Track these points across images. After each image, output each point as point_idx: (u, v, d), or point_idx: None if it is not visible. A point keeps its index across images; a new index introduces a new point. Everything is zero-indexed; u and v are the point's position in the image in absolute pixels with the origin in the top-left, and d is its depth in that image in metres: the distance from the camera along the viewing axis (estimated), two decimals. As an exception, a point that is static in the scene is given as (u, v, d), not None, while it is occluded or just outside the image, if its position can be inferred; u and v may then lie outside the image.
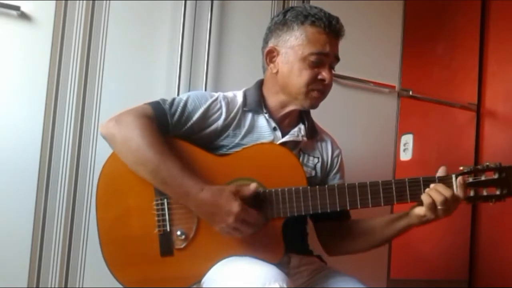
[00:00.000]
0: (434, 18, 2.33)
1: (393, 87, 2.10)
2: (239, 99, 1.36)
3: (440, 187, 1.22)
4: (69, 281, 1.56)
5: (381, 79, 2.07)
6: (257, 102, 1.36)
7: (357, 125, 2.03)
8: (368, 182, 1.25)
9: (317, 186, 1.26)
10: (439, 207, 1.21)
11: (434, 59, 2.33)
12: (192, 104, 1.29)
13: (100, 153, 1.59)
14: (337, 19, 1.33)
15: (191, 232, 1.23)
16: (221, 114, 1.31)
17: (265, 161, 1.27)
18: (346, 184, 1.25)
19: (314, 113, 1.45)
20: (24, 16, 1.53)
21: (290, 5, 1.89)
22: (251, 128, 1.34)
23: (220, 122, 1.30)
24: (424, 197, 1.22)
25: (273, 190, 1.24)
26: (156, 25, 1.71)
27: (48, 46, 1.56)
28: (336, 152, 1.46)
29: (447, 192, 1.20)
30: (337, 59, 1.35)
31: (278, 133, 1.35)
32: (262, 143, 1.31)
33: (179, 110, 1.27)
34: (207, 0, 1.77)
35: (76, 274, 1.57)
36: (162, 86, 1.70)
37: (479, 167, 1.25)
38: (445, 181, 1.24)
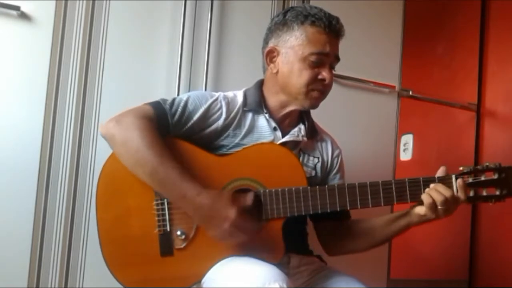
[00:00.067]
0: (434, 18, 2.33)
1: (393, 87, 2.10)
2: (239, 99, 1.36)
3: (440, 187, 1.22)
4: (69, 281, 1.56)
5: (381, 79, 2.07)
6: (257, 102, 1.36)
7: (357, 125, 2.03)
8: (368, 182, 1.25)
9: (317, 186, 1.26)
10: (439, 207, 1.21)
11: (434, 59, 2.33)
12: (192, 104, 1.29)
13: (100, 153, 1.59)
14: (337, 19, 1.33)
15: (191, 232, 1.23)
16: (221, 114, 1.31)
17: (265, 161, 1.27)
18: (346, 184, 1.25)
19: (314, 113, 1.45)
20: (24, 16, 1.53)
21: (290, 5, 1.89)
22: (251, 128, 1.34)
23: (220, 122, 1.30)
24: (425, 197, 1.22)
25: (273, 190, 1.24)
26: (156, 25, 1.71)
27: (48, 46, 1.56)
28: (336, 152, 1.46)
29: (447, 192, 1.21)
30: (337, 59, 1.35)
31: (278, 133, 1.35)
32: (262, 143, 1.31)
33: (179, 110, 1.27)
34: (207, 0, 1.77)
35: (76, 274, 1.57)
36: (162, 86, 1.70)
37: (478, 167, 1.25)
38: (445, 181, 1.24)
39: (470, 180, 1.25)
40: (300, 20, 1.31)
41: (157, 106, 1.26)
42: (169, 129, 1.26)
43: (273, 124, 1.35)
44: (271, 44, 1.36)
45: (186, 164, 1.24)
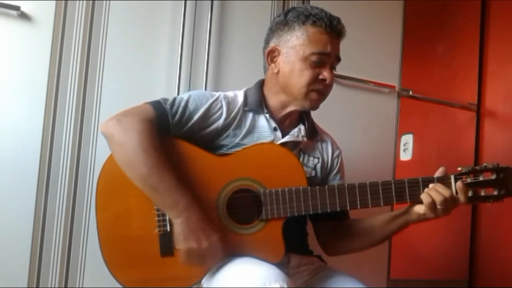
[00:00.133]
0: (434, 18, 2.33)
1: (393, 87, 2.10)
2: (240, 99, 1.36)
3: (439, 187, 1.22)
4: (69, 281, 1.56)
5: (381, 79, 2.07)
6: (257, 102, 1.36)
7: (357, 125, 2.03)
8: (367, 183, 1.25)
9: (317, 186, 1.26)
10: (438, 207, 1.21)
11: (434, 59, 2.33)
12: (193, 104, 1.29)
13: (100, 153, 1.59)
14: (338, 20, 1.33)
15: (191, 232, 1.23)
16: (221, 113, 1.31)
17: (265, 161, 1.27)
18: (346, 185, 1.25)
19: (314, 113, 1.45)
20: (24, 16, 1.53)
21: (290, 5, 1.89)
22: (252, 128, 1.34)
23: (220, 121, 1.30)
24: (424, 197, 1.22)
25: (273, 190, 1.24)
26: (156, 25, 1.71)
27: (48, 46, 1.56)
28: (336, 153, 1.46)
29: (446, 192, 1.21)
30: (338, 59, 1.35)
31: (278, 133, 1.35)
32: (262, 143, 1.31)
33: (180, 110, 1.27)
34: (207, 0, 1.77)
35: (76, 274, 1.57)
36: (162, 86, 1.70)
37: (477, 167, 1.26)
38: (444, 181, 1.25)
39: (469, 180, 1.25)
40: (302, 20, 1.31)
41: (158, 106, 1.26)
42: (169, 129, 1.26)
43: (273, 124, 1.35)
44: (272, 44, 1.36)
45: (186, 164, 1.24)
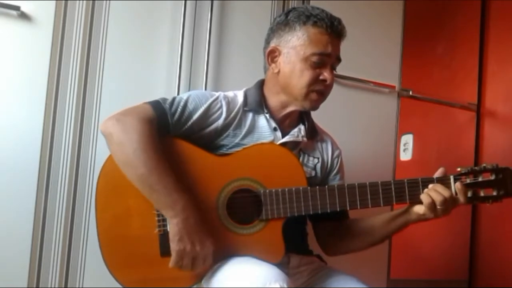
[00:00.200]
0: (434, 18, 2.33)
1: (393, 87, 2.10)
2: (240, 99, 1.36)
3: (439, 188, 1.23)
4: (69, 281, 1.56)
5: (381, 79, 2.07)
6: (257, 102, 1.36)
7: (357, 125, 2.03)
8: (367, 183, 1.25)
9: (317, 187, 1.26)
10: (438, 207, 1.21)
11: (434, 59, 2.33)
12: (192, 104, 1.29)
13: (100, 153, 1.59)
14: (339, 20, 1.33)
15: (191, 232, 1.23)
16: (221, 113, 1.31)
17: (265, 161, 1.27)
18: (346, 185, 1.26)
19: (314, 113, 1.45)
20: (24, 16, 1.53)
21: (290, 5, 1.89)
22: (252, 128, 1.34)
23: (220, 121, 1.30)
24: (424, 197, 1.23)
25: (273, 190, 1.24)
26: (156, 25, 1.71)
27: (48, 46, 1.56)
28: (336, 153, 1.46)
29: (446, 193, 1.21)
30: (338, 60, 1.35)
31: (278, 133, 1.35)
32: (262, 143, 1.31)
33: (179, 109, 1.27)
34: (207, 0, 1.77)
35: (76, 274, 1.57)
36: (162, 86, 1.70)
37: (476, 168, 1.26)
38: (443, 182, 1.25)
39: (468, 180, 1.25)
40: (302, 21, 1.31)
41: (157, 105, 1.26)
42: (169, 128, 1.26)
43: (273, 124, 1.35)
44: (272, 44, 1.36)
45: (186, 164, 1.24)
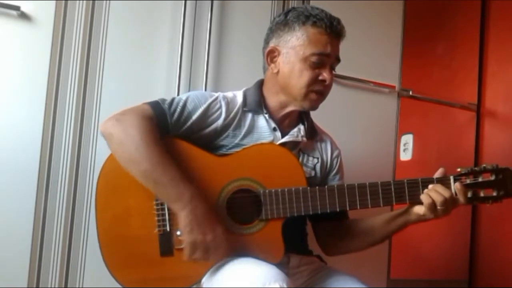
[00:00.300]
0: (434, 18, 2.33)
1: (393, 87, 2.10)
2: (239, 99, 1.36)
3: (439, 188, 1.23)
4: (69, 281, 1.56)
5: (381, 79, 2.07)
6: (257, 102, 1.36)
7: (357, 125, 2.03)
8: (367, 183, 1.25)
9: (317, 187, 1.26)
10: (438, 208, 1.21)
11: (434, 59, 2.33)
12: (191, 104, 1.29)
13: (100, 153, 1.59)
14: (338, 20, 1.33)
15: (191, 232, 1.23)
16: (220, 113, 1.31)
17: (265, 161, 1.27)
18: (345, 185, 1.25)
19: (314, 113, 1.45)
20: (24, 16, 1.53)
21: (290, 5, 1.89)
22: (251, 128, 1.34)
23: (220, 122, 1.30)
24: (424, 198, 1.23)
25: (273, 190, 1.24)
26: (156, 25, 1.71)
27: (48, 46, 1.56)
28: (335, 153, 1.46)
29: (446, 193, 1.22)
30: (338, 60, 1.35)
31: (278, 134, 1.35)
32: (262, 143, 1.31)
33: (178, 109, 1.27)
34: (207, 0, 1.77)
35: (76, 274, 1.57)
36: (162, 86, 1.70)
37: (476, 168, 1.26)
38: (443, 182, 1.25)
39: (468, 181, 1.25)
40: (302, 21, 1.31)
41: (156, 105, 1.26)
42: (168, 128, 1.26)
43: (273, 125, 1.35)
44: (272, 44, 1.36)
45: (186, 164, 1.24)
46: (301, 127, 1.39)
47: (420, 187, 1.25)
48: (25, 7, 1.52)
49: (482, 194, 1.26)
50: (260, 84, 1.41)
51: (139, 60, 1.68)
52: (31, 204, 1.52)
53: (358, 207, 1.25)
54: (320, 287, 1.32)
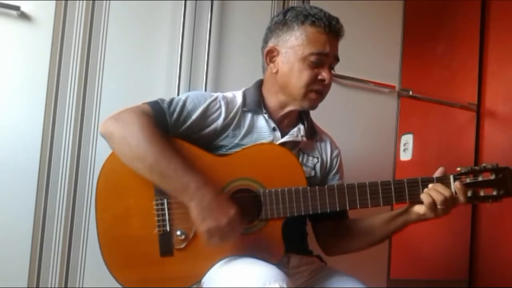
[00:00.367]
0: (434, 18, 2.33)
1: (393, 87, 2.10)
2: (239, 100, 1.36)
3: (439, 187, 1.23)
4: (69, 281, 1.56)
5: (381, 79, 2.07)
6: (256, 102, 1.36)
7: (357, 125, 2.03)
8: (367, 183, 1.25)
9: (317, 187, 1.26)
10: (438, 207, 1.21)
11: (434, 59, 2.33)
12: (191, 104, 1.29)
13: (100, 153, 1.59)
14: (337, 19, 1.33)
15: (191, 232, 1.23)
16: (220, 113, 1.31)
17: (265, 161, 1.27)
18: (345, 185, 1.25)
19: (314, 113, 1.45)
20: (24, 16, 1.53)
21: (290, 5, 1.89)
22: (251, 128, 1.34)
23: (219, 121, 1.30)
24: (424, 197, 1.22)
25: (273, 190, 1.24)
26: (156, 25, 1.71)
27: (48, 46, 1.56)
28: (335, 153, 1.46)
29: (446, 192, 1.21)
30: (336, 59, 1.35)
31: (278, 134, 1.35)
32: (262, 143, 1.31)
33: (177, 109, 1.27)
34: (207, 0, 1.77)
35: (76, 274, 1.57)
36: (162, 86, 1.70)
37: (476, 168, 1.26)
38: (443, 181, 1.25)
39: (468, 180, 1.25)
40: (300, 20, 1.31)
41: (155, 105, 1.26)
42: (167, 128, 1.25)
43: (272, 125, 1.35)
44: (271, 44, 1.36)
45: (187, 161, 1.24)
46: (301, 127, 1.39)
47: (420, 186, 1.25)
48: (25, 7, 1.52)
49: (482, 193, 1.26)
50: (260, 84, 1.41)
51: (139, 60, 1.68)
52: (31, 204, 1.52)
53: (358, 206, 1.25)
54: (320, 287, 1.32)
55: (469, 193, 1.25)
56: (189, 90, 1.72)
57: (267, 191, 1.24)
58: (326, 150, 1.44)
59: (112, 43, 1.64)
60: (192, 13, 1.75)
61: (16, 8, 1.50)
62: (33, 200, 1.53)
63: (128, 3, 1.67)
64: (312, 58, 1.30)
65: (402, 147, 2.17)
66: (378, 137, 2.08)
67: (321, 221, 1.42)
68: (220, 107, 1.31)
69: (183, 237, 1.22)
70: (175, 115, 1.26)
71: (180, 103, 1.28)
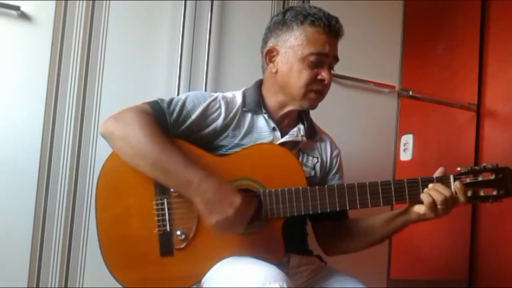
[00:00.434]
0: (434, 18, 2.33)
1: (393, 87, 2.10)
2: (239, 100, 1.36)
3: (440, 187, 1.22)
4: (69, 281, 1.56)
5: (381, 79, 2.07)
6: (256, 102, 1.36)
7: (357, 125, 2.03)
8: (367, 183, 1.25)
9: (317, 186, 1.26)
10: (439, 207, 1.21)
11: (434, 59, 2.33)
12: (191, 103, 1.29)
13: (100, 153, 1.59)
14: (336, 19, 1.33)
15: (191, 232, 1.23)
16: (220, 113, 1.31)
17: (265, 161, 1.27)
18: (345, 185, 1.25)
19: (314, 113, 1.45)
20: (24, 16, 1.53)
21: (290, 5, 1.89)
22: (251, 128, 1.34)
23: (219, 121, 1.30)
24: (424, 197, 1.22)
25: (273, 190, 1.24)
26: (156, 25, 1.71)
27: (48, 46, 1.56)
28: (335, 153, 1.46)
29: (446, 192, 1.21)
30: (336, 59, 1.35)
31: (278, 133, 1.35)
32: (262, 143, 1.31)
33: (177, 108, 1.27)
34: (207, 0, 1.77)
35: (76, 274, 1.57)
36: (162, 86, 1.71)
37: (476, 168, 1.26)
38: (443, 181, 1.25)
39: (468, 180, 1.25)
40: (300, 20, 1.31)
41: (155, 105, 1.26)
42: (167, 127, 1.25)
43: (272, 124, 1.35)
44: (270, 44, 1.36)
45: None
46: (301, 126, 1.39)
47: (420, 186, 1.25)
48: (25, 7, 1.52)
49: (482, 193, 1.26)
50: (259, 84, 1.41)
51: (139, 60, 1.68)
52: (31, 204, 1.52)
53: (358, 206, 1.25)
54: (320, 287, 1.32)
55: (469, 193, 1.25)
56: (189, 90, 1.72)
57: (267, 191, 1.24)
58: (326, 150, 1.44)
59: (112, 43, 1.64)
60: (192, 13, 1.75)
61: (16, 8, 1.50)
62: (33, 200, 1.53)
63: (128, 3, 1.67)
64: (312, 58, 1.30)
65: (402, 147, 2.17)
66: (378, 137, 2.08)
67: (321, 221, 1.42)
68: (220, 107, 1.31)
69: (183, 237, 1.22)
70: (174, 114, 1.26)
71: (180, 103, 1.28)
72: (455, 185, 1.24)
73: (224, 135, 1.31)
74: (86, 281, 1.57)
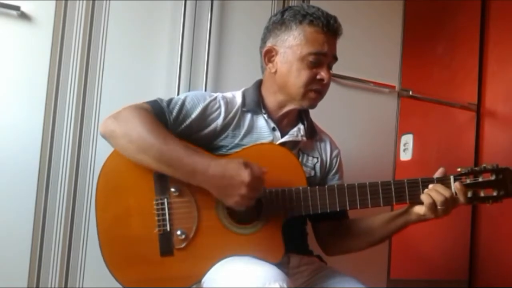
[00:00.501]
0: (434, 18, 2.33)
1: (393, 87, 2.10)
2: (238, 100, 1.36)
3: (440, 188, 1.23)
4: (69, 281, 1.56)
5: (381, 79, 2.07)
6: (255, 102, 1.36)
7: (357, 125, 2.03)
8: (367, 183, 1.25)
9: (317, 187, 1.26)
10: (439, 207, 1.21)
11: (434, 59, 2.33)
12: (190, 103, 1.29)
13: (100, 153, 1.59)
14: (335, 18, 1.33)
15: (191, 232, 1.23)
16: (220, 113, 1.31)
17: (265, 161, 1.27)
18: (345, 185, 1.25)
19: (314, 113, 1.45)
20: (24, 16, 1.53)
21: (289, 5, 1.89)
22: (251, 128, 1.34)
23: (219, 121, 1.30)
24: (424, 197, 1.22)
25: (273, 190, 1.24)
26: (156, 25, 1.71)
27: (48, 46, 1.56)
28: (335, 152, 1.46)
29: (446, 193, 1.22)
30: (335, 58, 1.35)
31: (277, 133, 1.35)
32: (262, 143, 1.31)
33: (177, 108, 1.27)
34: (207, 0, 1.77)
35: (76, 274, 1.57)
36: (162, 86, 1.70)
37: (476, 168, 1.26)
38: (443, 182, 1.25)
39: (468, 181, 1.25)
40: (298, 20, 1.31)
41: (155, 104, 1.26)
42: (167, 126, 1.25)
43: (272, 124, 1.35)
44: (269, 44, 1.36)
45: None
46: (301, 126, 1.39)
47: (420, 187, 1.25)
48: (25, 7, 1.52)
49: (482, 194, 1.26)
50: (259, 84, 1.41)
51: (139, 60, 1.68)
52: (31, 204, 1.52)
53: (358, 206, 1.25)
54: (320, 287, 1.32)
55: (469, 194, 1.25)
56: (189, 90, 1.72)
57: (267, 191, 1.24)
58: (326, 150, 1.44)
59: (112, 43, 1.64)
60: (192, 13, 1.75)
61: (16, 8, 1.50)
62: (33, 200, 1.53)
63: (128, 3, 1.67)
64: (311, 58, 1.30)
65: (402, 147, 2.17)
66: (378, 137, 2.08)
67: (321, 221, 1.42)
68: (219, 106, 1.31)
69: (183, 237, 1.22)
70: (174, 113, 1.26)
71: (179, 102, 1.28)
72: (455, 186, 1.24)
73: (224, 135, 1.31)
74: (86, 281, 1.57)
